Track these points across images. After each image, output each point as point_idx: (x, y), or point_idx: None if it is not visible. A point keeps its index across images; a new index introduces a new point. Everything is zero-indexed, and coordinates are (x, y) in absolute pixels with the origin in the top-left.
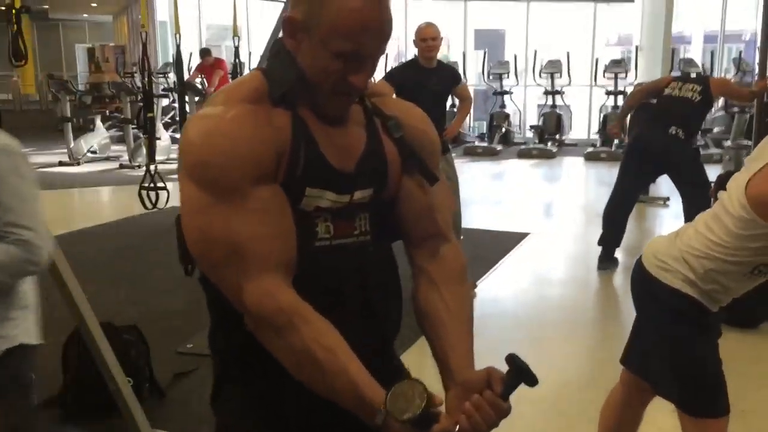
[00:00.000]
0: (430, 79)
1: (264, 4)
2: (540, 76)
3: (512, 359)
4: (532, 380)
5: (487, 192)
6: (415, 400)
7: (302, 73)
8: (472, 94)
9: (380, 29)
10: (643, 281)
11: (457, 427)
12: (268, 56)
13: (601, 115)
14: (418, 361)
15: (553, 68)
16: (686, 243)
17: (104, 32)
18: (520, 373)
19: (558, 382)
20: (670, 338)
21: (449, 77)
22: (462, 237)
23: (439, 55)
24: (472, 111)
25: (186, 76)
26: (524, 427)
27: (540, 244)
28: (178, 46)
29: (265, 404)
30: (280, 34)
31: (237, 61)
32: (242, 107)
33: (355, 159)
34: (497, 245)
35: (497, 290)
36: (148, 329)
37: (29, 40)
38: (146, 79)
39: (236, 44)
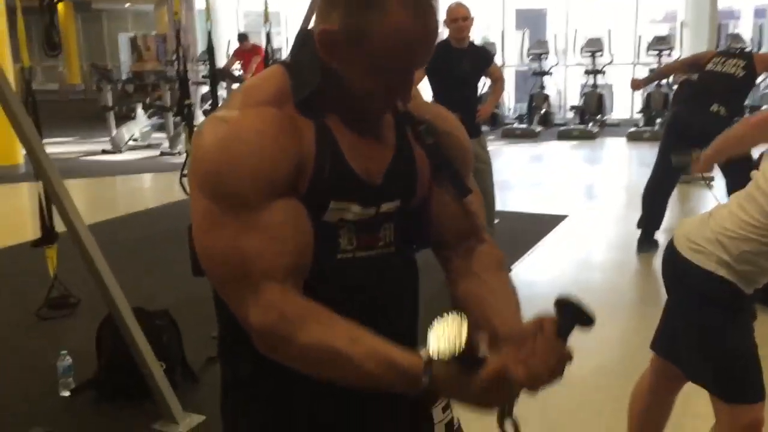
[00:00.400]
0: (460, 60)
1: None
2: (581, 55)
3: (563, 301)
4: (587, 320)
5: (525, 174)
6: (458, 337)
7: (329, 74)
8: (512, 75)
9: (429, 43)
10: (675, 264)
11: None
12: (292, 49)
13: (644, 94)
14: None
15: (594, 46)
16: (720, 224)
17: (147, 21)
18: (573, 312)
19: (590, 367)
20: (701, 323)
21: (481, 58)
22: (497, 220)
23: (478, 36)
24: (512, 92)
25: (225, 62)
26: (555, 411)
27: (578, 227)
28: (209, 33)
29: (273, 408)
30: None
31: (269, 47)
32: (262, 111)
33: (383, 169)
34: (534, 228)
35: (532, 273)
36: (183, 314)
37: (73, 30)
38: (181, 66)
39: (267, 30)
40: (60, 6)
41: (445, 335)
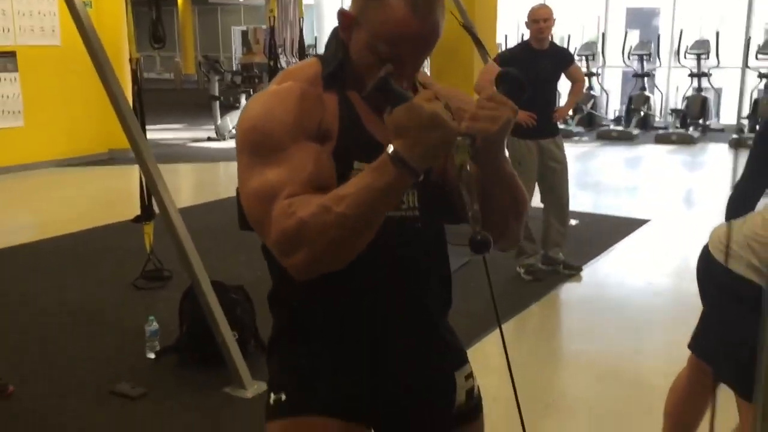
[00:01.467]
0: (541, 61)
1: None
2: (685, 57)
3: (504, 71)
4: (522, 85)
5: (616, 177)
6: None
7: (350, 58)
8: (618, 75)
9: (420, 40)
10: (708, 266)
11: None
12: (326, 44)
13: (752, 99)
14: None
15: (699, 49)
16: (752, 230)
17: (258, 15)
18: (510, 79)
19: (648, 367)
20: (730, 322)
21: (561, 58)
22: (576, 221)
23: (587, 36)
24: (617, 94)
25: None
26: (604, 406)
27: (658, 232)
28: (301, 30)
29: (307, 361)
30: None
31: None
32: (294, 84)
33: None
34: (613, 230)
35: (603, 274)
36: (260, 291)
37: (190, 23)
38: (277, 59)
39: None
40: (180, 0)
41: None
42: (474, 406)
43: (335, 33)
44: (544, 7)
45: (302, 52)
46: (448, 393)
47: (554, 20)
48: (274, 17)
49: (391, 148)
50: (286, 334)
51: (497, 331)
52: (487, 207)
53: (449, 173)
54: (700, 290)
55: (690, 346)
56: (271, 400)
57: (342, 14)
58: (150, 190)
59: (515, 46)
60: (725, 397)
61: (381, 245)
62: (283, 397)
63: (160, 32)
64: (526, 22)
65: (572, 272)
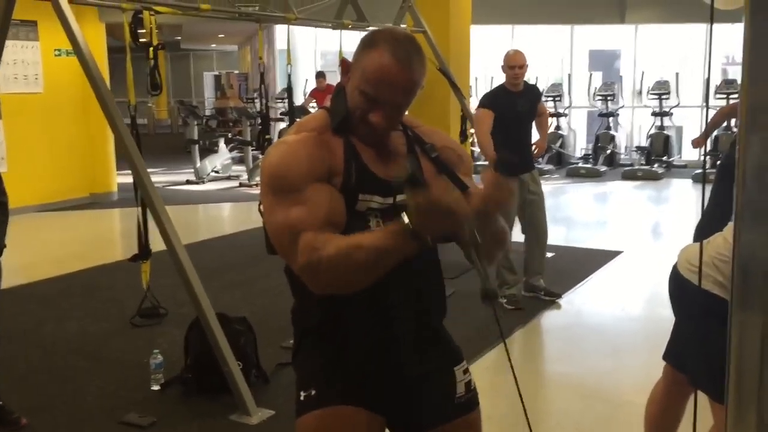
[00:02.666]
0: (518, 102)
1: None
2: (647, 97)
3: (501, 157)
4: (515, 166)
5: (586, 212)
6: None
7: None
8: (583, 115)
9: (399, 85)
10: (678, 283)
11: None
12: (332, 97)
13: (713, 136)
14: (500, 359)
15: (661, 89)
16: (716, 250)
17: (230, 60)
18: (506, 162)
19: (628, 385)
20: (701, 333)
21: (534, 96)
22: (551, 254)
23: (552, 78)
24: (582, 133)
25: (302, 100)
26: (590, 420)
27: (631, 263)
28: (289, 76)
29: (330, 358)
30: None
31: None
32: (306, 135)
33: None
34: (588, 262)
35: (581, 302)
36: (257, 326)
37: (163, 68)
38: (263, 105)
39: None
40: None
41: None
42: (472, 396)
43: (340, 88)
44: (518, 54)
45: (290, 96)
46: (450, 384)
47: (527, 66)
48: (263, 63)
49: (407, 220)
50: (309, 339)
51: (486, 356)
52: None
53: None
54: (672, 305)
55: (665, 357)
56: (302, 397)
57: (342, 62)
58: (148, 229)
59: (495, 89)
60: (699, 401)
61: None
62: (313, 392)
63: (157, 80)
64: (502, 67)
65: (552, 298)
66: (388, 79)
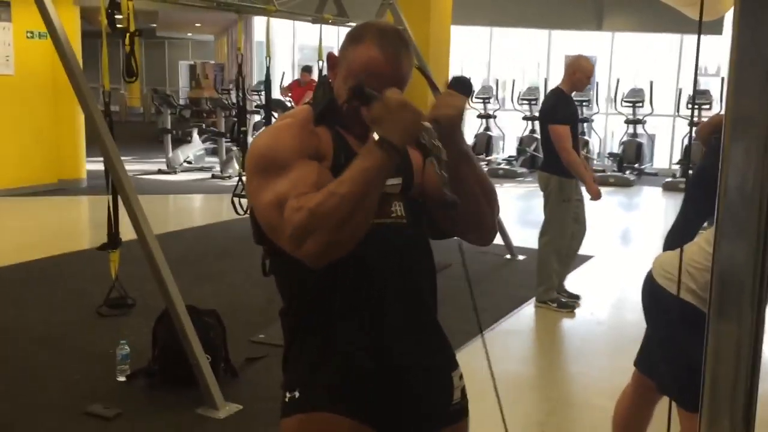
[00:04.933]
0: (576, 107)
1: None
2: (621, 104)
3: (456, 77)
4: (469, 85)
5: None
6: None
7: (335, 99)
8: None
9: (385, 77)
10: (652, 290)
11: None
12: (315, 90)
13: (683, 145)
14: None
15: (635, 97)
16: (690, 257)
17: (206, 50)
18: (461, 82)
19: (596, 390)
20: (672, 340)
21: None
22: (524, 257)
23: (530, 82)
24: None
25: (278, 94)
26: (556, 423)
27: (601, 268)
28: (267, 69)
29: (315, 357)
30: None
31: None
32: (292, 120)
33: None
34: None
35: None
36: (226, 320)
37: (137, 55)
38: (240, 96)
39: (320, 67)
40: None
41: None
42: (466, 403)
43: (323, 80)
44: (591, 62)
45: (268, 89)
46: (447, 391)
47: None
48: (242, 54)
49: (376, 136)
50: (298, 340)
51: (457, 356)
52: (459, 193)
53: (427, 191)
54: (645, 313)
55: (636, 363)
56: (287, 398)
57: (329, 56)
58: (119, 218)
59: (559, 98)
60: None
61: (378, 246)
62: (297, 394)
63: (133, 66)
64: (572, 72)
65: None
66: (376, 70)
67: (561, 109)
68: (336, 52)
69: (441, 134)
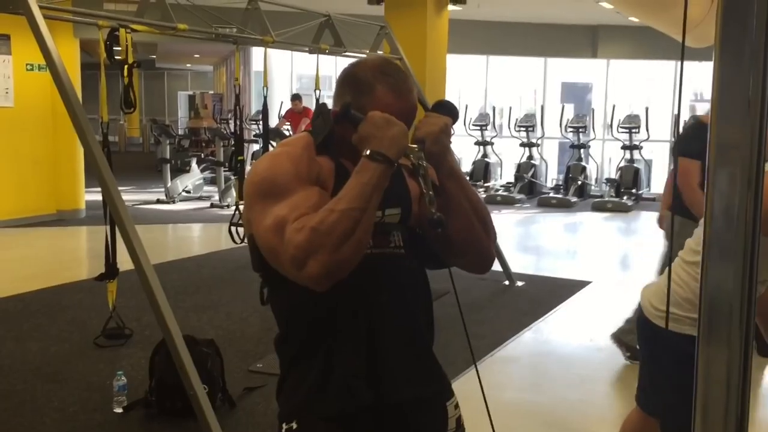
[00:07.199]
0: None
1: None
2: (618, 130)
3: (440, 101)
4: (454, 110)
5: (557, 241)
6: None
7: (335, 131)
8: (555, 146)
9: (403, 116)
10: (648, 329)
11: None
12: (312, 118)
13: None
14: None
15: (631, 123)
16: (675, 276)
17: (205, 81)
18: (446, 106)
19: (594, 417)
20: (676, 378)
21: None
22: (522, 283)
23: (525, 108)
24: (553, 164)
25: (277, 122)
26: None
27: (600, 293)
28: (265, 98)
29: (313, 387)
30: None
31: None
32: (291, 147)
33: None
34: (557, 291)
35: (549, 332)
36: (224, 349)
37: (136, 86)
38: (238, 125)
39: (317, 96)
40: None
41: None
42: None
43: (321, 109)
44: None
45: (266, 118)
46: (442, 421)
47: None
48: (239, 85)
49: (367, 152)
50: (295, 370)
51: (453, 384)
52: (448, 212)
53: (423, 223)
54: (641, 349)
55: (638, 401)
56: (283, 430)
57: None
58: (116, 248)
59: (696, 128)
60: None
61: (376, 275)
62: (295, 425)
63: (131, 98)
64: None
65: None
66: (395, 114)
67: (698, 144)
68: (333, 77)
69: (427, 154)
